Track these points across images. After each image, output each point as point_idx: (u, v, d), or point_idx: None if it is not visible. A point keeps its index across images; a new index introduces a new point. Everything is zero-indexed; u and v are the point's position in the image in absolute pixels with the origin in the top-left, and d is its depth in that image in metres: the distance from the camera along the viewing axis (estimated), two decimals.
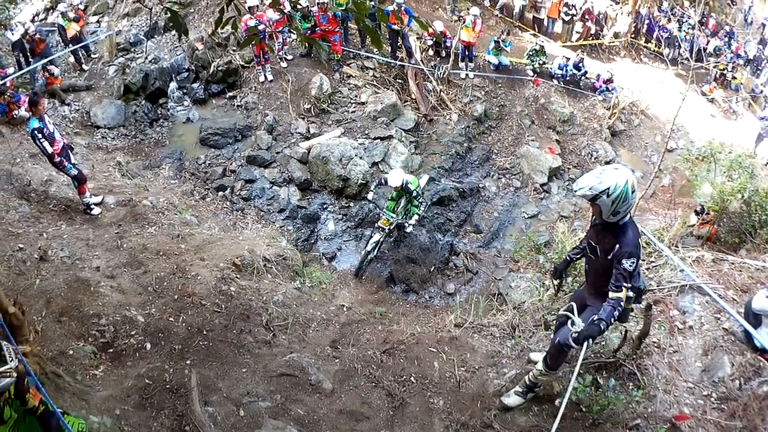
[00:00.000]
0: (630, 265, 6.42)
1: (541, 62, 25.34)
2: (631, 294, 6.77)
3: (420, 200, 16.04)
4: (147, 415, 6.90)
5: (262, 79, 21.20)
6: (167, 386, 7.33)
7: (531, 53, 25.42)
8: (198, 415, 6.88)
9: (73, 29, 21.83)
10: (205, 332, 8.85)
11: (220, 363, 8.33)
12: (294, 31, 22.42)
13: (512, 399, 8.14)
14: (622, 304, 6.57)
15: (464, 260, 18.89)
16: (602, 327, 6.51)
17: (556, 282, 8.73)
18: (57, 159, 11.91)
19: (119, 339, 8.27)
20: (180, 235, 12.46)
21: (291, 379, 8.35)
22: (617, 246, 6.50)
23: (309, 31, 20.48)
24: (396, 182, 15.29)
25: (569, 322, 7.07)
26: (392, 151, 20.02)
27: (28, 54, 21.00)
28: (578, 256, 8.00)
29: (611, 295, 6.56)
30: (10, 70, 20.01)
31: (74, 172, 12.22)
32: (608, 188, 6.19)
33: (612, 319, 6.54)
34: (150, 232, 12.46)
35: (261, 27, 19.86)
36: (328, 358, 9.19)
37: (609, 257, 6.62)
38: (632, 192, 6.31)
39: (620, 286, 6.51)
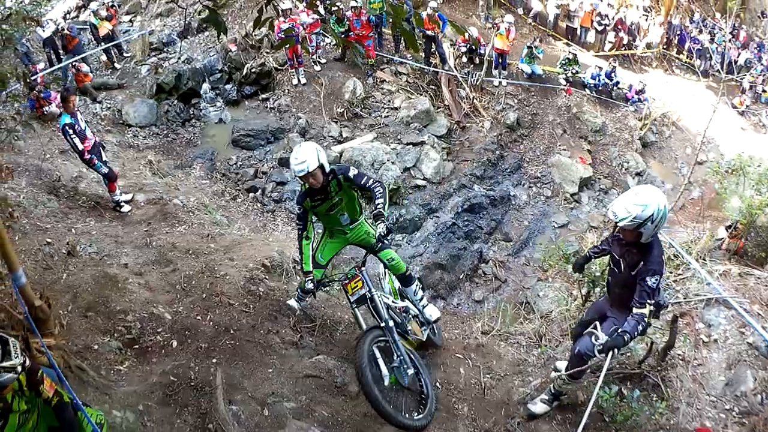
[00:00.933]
0: (654, 282, 6.43)
1: (573, 71, 25.25)
2: (653, 308, 6.79)
3: (372, 183, 7.99)
4: (170, 411, 6.87)
5: (295, 82, 21.27)
6: (192, 384, 7.30)
7: (564, 62, 25.37)
8: (222, 413, 6.84)
9: (105, 28, 22.03)
10: (232, 331, 8.80)
11: (246, 362, 8.29)
12: (328, 35, 22.47)
13: (538, 407, 8.08)
14: (645, 319, 6.60)
15: (493, 268, 18.88)
16: (626, 339, 6.53)
17: (576, 274, 8.68)
18: (87, 156, 11.94)
19: (145, 335, 8.26)
20: (210, 235, 12.44)
21: (316, 381, 8.28)
22: (642, 263, 6.50)
23: (343, 36, 20.48)
24: (312, 164, 7.48)
25: (593, 336, 7.05)
26: (424, 157, 19.99)
27: (60, 51, 21.17)
28: (597, 256, 8.08)
29: (635, 310, 6.55)
30: (40, 66, 20.18)
31: (104, 170, 12.23)
32: (652, 214, 6.12)
33: (636, 333, 6.57)
34: (180, 231, 12.46)
35: (296, 30, 19.81)
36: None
37: (633, 273, 6.62)
38: (668, 212, 6.34)
39: (644, 302, 6.50)
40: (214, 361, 7.98)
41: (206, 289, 9.68)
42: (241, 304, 9.58)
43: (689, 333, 9.89)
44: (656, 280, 6.43)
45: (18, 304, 6.48)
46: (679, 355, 9.37)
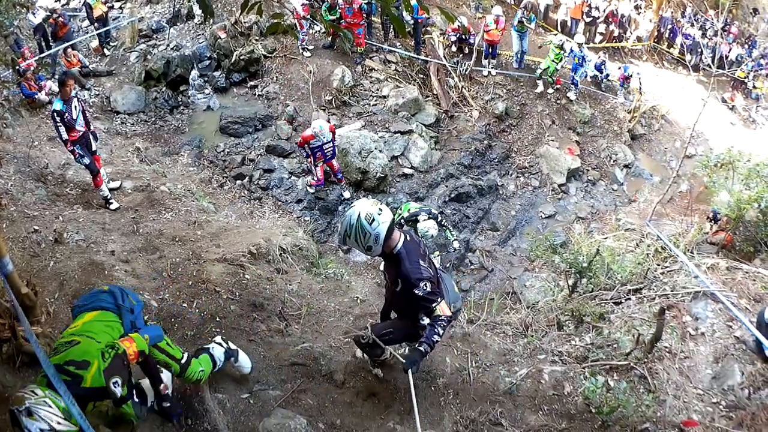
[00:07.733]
0: (421, 291, 6.10)
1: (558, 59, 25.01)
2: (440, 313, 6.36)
3: None
4: None
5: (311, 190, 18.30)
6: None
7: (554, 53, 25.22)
8: (207, 401, 6.83)
9: (100, 9, 21.91)
10: (218, 319, 8.84)
11: None
12: (318, 22, 22.48)
13: None
14: (439, 319, 6.27)
15: (480, 257, 18.87)
16: (425, 349, 6.33)
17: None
18: (70, 147, 11.88)
19: None
20: (196, 222, 12.45)
21: (302, 369, 8.29)
22: (400, 279, 6.26)
23: (333, 23, 20.43)
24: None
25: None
26: (412, 146, 20.04)
27: (50, 38, 21.08)
28: None
29: (423, 322, 6.36)
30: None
31: (86, 161, 12.17)
32: (345, 230, 6.01)
33: (434, 338, 6.29)
34: (166, 218, 12.47)
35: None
36: (341, 350, 9.14)
37: (398, 289, 6.39)
38: (370, 223, 5.93)
39: (428, 308, 6.25)
40: None
41: (192, 277, 9.73)
42: (228, 291, 9.61)
43: (676, 326, 9.98)
44: (422, 286, 6.10)
45: (5, 291, 6.45)
46: (666, 347, 9.45)
